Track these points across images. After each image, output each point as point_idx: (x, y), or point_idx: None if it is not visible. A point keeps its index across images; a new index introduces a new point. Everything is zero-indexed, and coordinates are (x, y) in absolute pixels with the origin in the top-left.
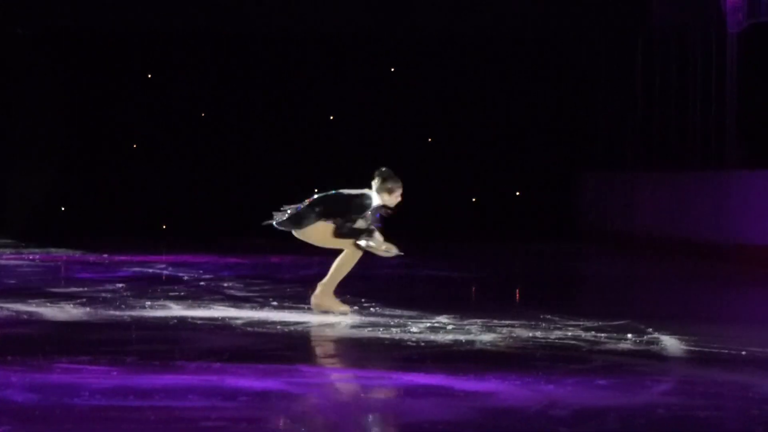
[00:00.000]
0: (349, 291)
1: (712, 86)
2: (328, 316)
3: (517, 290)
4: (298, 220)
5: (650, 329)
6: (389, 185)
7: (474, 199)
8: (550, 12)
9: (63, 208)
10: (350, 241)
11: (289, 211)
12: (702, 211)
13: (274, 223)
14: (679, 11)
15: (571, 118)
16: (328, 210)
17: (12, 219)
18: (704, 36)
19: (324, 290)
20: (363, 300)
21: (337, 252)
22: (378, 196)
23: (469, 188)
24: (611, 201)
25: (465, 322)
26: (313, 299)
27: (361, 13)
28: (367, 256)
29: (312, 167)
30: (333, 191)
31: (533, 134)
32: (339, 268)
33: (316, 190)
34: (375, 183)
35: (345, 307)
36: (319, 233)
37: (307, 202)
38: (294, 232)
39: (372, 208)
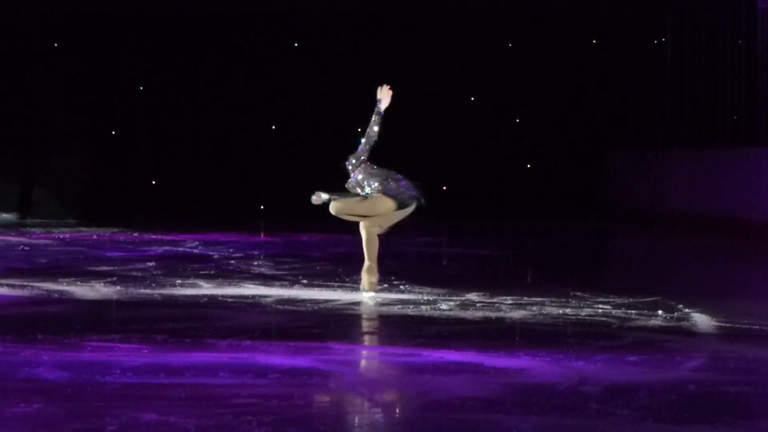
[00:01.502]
0: (378, 269)
1: (742, 62)
2: (359, 294)
3: (547, 268)
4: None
5: (681, 306)
6: None
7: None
8: None
9: (93, 188)
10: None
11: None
12: (733, 188)
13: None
14: None
15: (601, 96)
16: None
17: (42, 199)
18: (734, 12)
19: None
20: (393, 278)
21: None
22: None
23: (499, 166)
24: (641, 179)
25: (495, 300)
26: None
27: None
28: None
29: (342, 147)
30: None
31: (563, 112)
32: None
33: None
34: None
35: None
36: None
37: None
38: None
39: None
